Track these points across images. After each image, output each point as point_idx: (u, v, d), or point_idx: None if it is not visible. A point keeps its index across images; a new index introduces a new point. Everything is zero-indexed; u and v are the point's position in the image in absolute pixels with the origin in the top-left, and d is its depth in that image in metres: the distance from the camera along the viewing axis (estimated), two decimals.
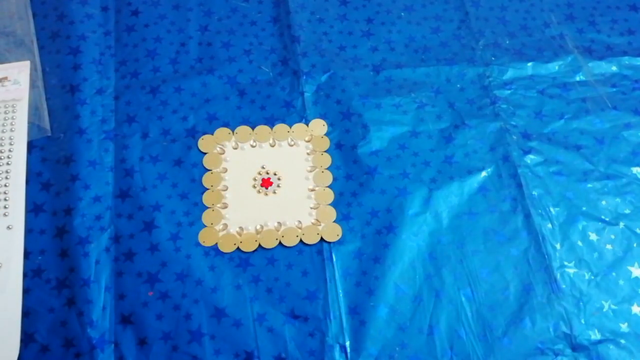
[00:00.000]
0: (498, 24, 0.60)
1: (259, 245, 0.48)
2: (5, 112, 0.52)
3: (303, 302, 0.46)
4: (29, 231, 0.47)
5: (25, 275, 0.45)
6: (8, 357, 0.42)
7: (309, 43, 0.58)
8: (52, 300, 0.45)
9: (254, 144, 0.53)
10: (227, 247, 0.47)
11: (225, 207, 0.49)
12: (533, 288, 0.47)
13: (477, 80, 0.57)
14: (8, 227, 0.47)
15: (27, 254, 0.46)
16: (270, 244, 0.48)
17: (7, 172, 0.49)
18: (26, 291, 0.45)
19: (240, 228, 0.48)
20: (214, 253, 0.47)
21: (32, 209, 0.48)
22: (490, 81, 0.57)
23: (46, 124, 0.52)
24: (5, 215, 0.47)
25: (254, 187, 0.51)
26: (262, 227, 0.49)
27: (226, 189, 0.50)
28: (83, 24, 0.57)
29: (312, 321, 0.45)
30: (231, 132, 0.53)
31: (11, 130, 0.51)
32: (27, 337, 0.44)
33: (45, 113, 0.52)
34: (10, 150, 0.50)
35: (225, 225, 0.49)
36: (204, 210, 0.49)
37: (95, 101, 0.53)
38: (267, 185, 0.51)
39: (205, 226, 0.48)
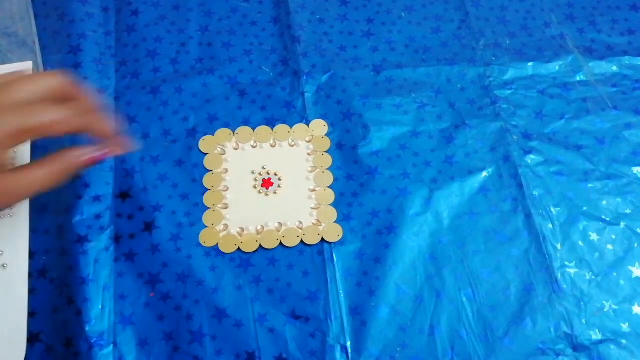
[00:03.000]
0: (498, 24, 0.60)
1: (260, 245, 0.48)
2: None
3: (304, 303, 0.46)
4: (33, 231, 0.47)
5: (30, 275, 0.45)
6: (15, 357, 0.42)
7: (309, 43, 0.58)
8: (56, 300, 0.45)
9: (255, 145, 0.53)
10: (227, 248, 0.47)
11: (226, 208, 0.49)
12: (534, 288, 0.47)
13: (478, 80, 0.57)
14: (13, 228, 0.47)
15: (32, 254, 0.46)
16: (271, 244, 0.48)
17: None
18: (31, 291, 0.45)
19: (241, 229, 0.48)
20: (214, 254, 0.47)
21: (37, 209, 0.48)
22: (490, 81, 0.57)
23: None
24: (10, 216, 0.47)
25: (255, 187, 0.51)
26: (262, 227, 0.49)
27: (227, 190, 0.50)
28: (84, 23, 0.57)
29: (313, 322, 0.45)
30: (232, 133, 0.53)
31: None
32: (33, 337, 0.43)
33: None
34: (14, 151, 0.50)
35: (226, 225, 0.49)
36: (204, 211, 0.49)
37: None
38: (267, 185, 0.51)
39: (206, 227, 0.48)
